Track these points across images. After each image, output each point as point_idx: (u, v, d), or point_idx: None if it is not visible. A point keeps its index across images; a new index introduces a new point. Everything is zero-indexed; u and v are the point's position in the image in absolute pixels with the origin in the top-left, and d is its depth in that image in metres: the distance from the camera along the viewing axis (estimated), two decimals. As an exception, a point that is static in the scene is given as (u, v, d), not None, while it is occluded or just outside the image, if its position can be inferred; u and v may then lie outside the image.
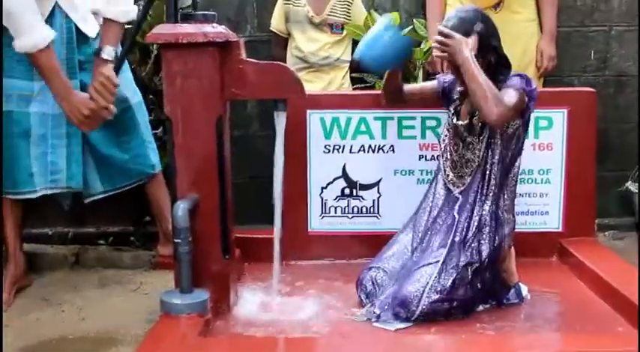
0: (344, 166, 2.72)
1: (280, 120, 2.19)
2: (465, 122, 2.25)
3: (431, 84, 2.47)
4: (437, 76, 2.53)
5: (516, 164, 2.28)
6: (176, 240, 2.03)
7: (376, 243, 2.55)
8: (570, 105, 2.68)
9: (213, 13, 2.16)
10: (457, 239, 2.17)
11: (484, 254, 2.15)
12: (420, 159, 2.71)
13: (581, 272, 2.49)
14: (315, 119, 2.71)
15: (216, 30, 2.08)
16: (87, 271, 2.75)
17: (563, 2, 3.21)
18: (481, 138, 2.21)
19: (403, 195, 2.67)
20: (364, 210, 2.76)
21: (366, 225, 2.76)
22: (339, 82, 3.20)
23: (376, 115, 2.70)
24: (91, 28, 2.58)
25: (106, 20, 2.50)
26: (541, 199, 2.74)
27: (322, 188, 2.74)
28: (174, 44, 2.06)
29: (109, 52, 2.45)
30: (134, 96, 2.69)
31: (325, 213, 2.77)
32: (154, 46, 2.84)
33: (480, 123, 2.20)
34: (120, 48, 2.55)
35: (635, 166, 3.29)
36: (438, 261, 2.12)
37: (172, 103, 2.12)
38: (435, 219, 2.28)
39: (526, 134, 2.30)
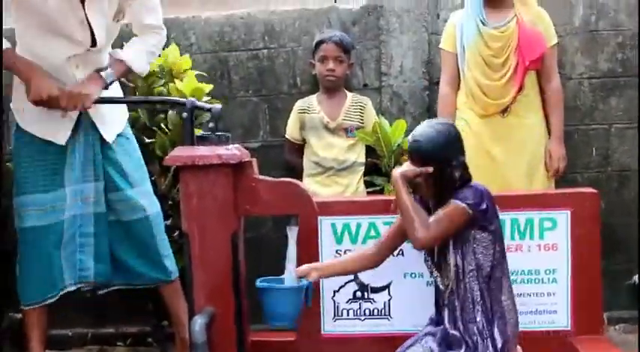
0: (356, 270, 2.81)
1: (292, 234, 2.30)
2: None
3: (395, 226, 2.49)
4: None
5: (500, 272, 2.32)
6: (193, 354, 2.11)
7: (387, 344, 2.64)
8: (574, 207, 2.74)
9: (227, 134, 2.30)
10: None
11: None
12: (429, 262, 2.80)
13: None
14: (326, 225, 2.80)
15: (230, 152, 2.22)
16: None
17: (564, 104, 3.29)
18: (451, 252, 2.28)
19: (413, 296, 2.73)
20: (375, 312, 2.82)
21: (377, 326, 2.80)
22: (354, 185, 3.28)
23: (385, 220, 2.78)
24: (110, 136, 2.73)
25: (117, 59, 2.68)
26: (548, 298, 2.77)
27: (334, 291, 2.80)
28: (190, 166, 2.21)
29: (107, 74, 2.60)
30: (152, 207, 2.78)
31: (338, 315, 2.82)
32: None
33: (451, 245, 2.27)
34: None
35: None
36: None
37: (189, 221, 2.25)
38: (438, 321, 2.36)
39: (500, 243, 2.33)
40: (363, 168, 3.31)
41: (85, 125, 2.67)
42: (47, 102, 2.51)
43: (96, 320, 3.34)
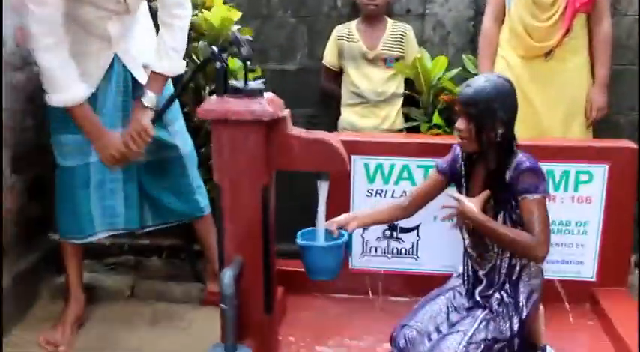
0: (386, 210, 2.82)
1: (323, 189, 2.29)
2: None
3: (431, 182, 2.45)
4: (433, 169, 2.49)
5: None
6: (222, 306, 2.19)
7: (414, 282, 2.78)
8: (611, 161, 2.71)
9: (261, 87, 2.25)
10: (482, 317, 2.25)
11: (509, 332, 2.23)
12: (459, 206, 2.80)
13: (608, 328, 2.59)
14: (359, 164, 2.81)
15: (263, 108, 2.17)
16: (141, 305, 2.95)
17: (616, 42, 3.16)
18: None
19: (441, 239, 2.79)
20: (403, 251, 2.88)
21: (404, 265, 2.88)
22: (392, 117, 3.25)
23: (419, 163, 2.78)
24: (145, 77, 2.67)
25: (153, 72, 2.60)
26: (577, 249, 2.81)
27: (364, 229, 2.85)
28: (223, 120, 2.19)
29: (150, 99, 2.56)
30: (185, 145, 2.80)
31: (366, 252, 2.90)
32: (206, 90, 2.94)
33: (490, 208, 2.22)
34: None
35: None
36: (465, 332, 2.22)
37: (221, 172, 2.25)
38: (466, 290, 2.38)
39: None
40: (401, 100, 3.26)
41: (117, 69, 2.64)
42: (121, 159, 2.57)
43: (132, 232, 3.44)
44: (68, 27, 2.44)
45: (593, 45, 3.05)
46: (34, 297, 2.95)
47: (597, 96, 3.06)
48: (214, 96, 2.26)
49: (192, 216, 2.90)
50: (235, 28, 2.96)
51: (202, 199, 2.89)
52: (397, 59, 3.22)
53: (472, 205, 2.18)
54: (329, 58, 3.31)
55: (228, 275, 2.20)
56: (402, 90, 3.24)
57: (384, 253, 2.89)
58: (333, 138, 2.30)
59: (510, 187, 2.19)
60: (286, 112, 2.29)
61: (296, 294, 2.83)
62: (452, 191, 2.30)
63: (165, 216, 2.87)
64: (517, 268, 2.24)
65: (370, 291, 2.87)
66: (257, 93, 2.23)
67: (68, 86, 2.45)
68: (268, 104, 2.21)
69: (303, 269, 2.46)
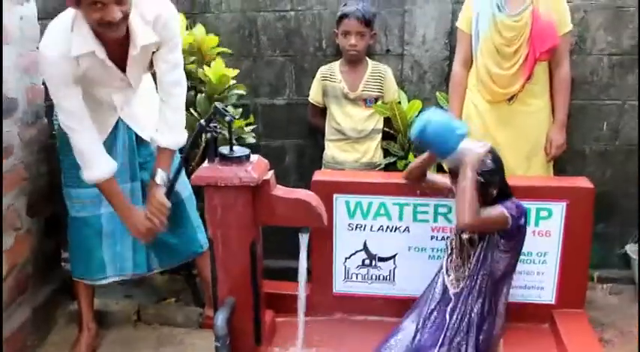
0: (365, 242, 3.10)
1: (303, 241, 2.59)
2: (468, 236, 2.62)
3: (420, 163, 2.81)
4: None
5: (507, 280, 2.65)
6: (216, 344, 2.52)
7: (390, 304, 3.08)
8: (569, 199, 2.97)
9: (247, 153, 2.53)
10: (447, 339, 2.58)
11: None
12: (431, 239, 3.07)
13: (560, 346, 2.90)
14: (341, 202, 3.08)
15: (249, 175, 2.46)
16: (147, 329, 3.25)
17: (581, 79, 3.42)
18: (477, 251, 2.59)
19: (416, 267, 3.07)
20: (381, 277, 3.17)
21: (382, 289, 3.17)
22: (372, 152, 3.48)
23: (394, 201, 3.05)
24: (147, 134, 2.93)
25: (160, 147, 2.83)
26: (537, 277, 3.08)
27: (346, 258, 3.13)
28: (213, 185, 2.48)
29: (161, 177, 2.79)
30: (185, 190, 3.04)
31: (348, 278, 3.19)
32: (203, 138, 3.15)
33: (478, 238, 2.58)
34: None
35: (635, 227, 3.58)
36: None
37: (213, 228, 2.57)
38: (432, 312, 2.67)
39: (516, 257, 2.66)
40: (380, 136, 3.48)
41: (122, 128, 2.89)
42: (150, 232, 2.84)
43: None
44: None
45: (553, 87, 3.24)
46: (51, 324, 3.26)
47: (556, 135, 3.27)
48: (206, 163, 2.56)
49: (194, 253, 3.17)
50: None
51: (202, 237, 3.15)
52: (377, 99, 3.43)
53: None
54: (314, 95, 3.54)
55: (220, 318, 2.52)
56: (381, 126, 3.47)
57: (364, 279, 3.19)
58: (312, 197, 2.60)
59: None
60: (270, 174, 2.59)
61: (284, 315, 3.10)
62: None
63: (170, 257, 3.14)
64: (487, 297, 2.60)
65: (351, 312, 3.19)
66: (244, 159, 2.52)
67: (98, 162, 2.72)
68: (254, 170, 2.51)
69: (290, 293, 2.79)
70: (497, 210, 2.53)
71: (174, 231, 3.04)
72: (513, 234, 2.58)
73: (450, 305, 2.64)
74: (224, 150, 2.53)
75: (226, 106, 2.80)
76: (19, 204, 3.03)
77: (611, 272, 3.65)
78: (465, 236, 2.64)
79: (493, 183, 2.55)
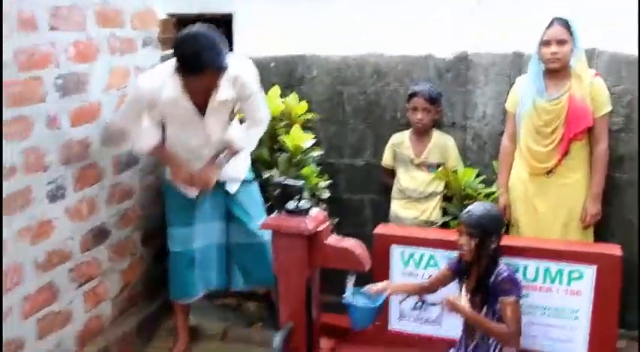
0: (417, 288, 3.61)
1: (350, 280, 3.15)
2: (468, 297, 3.10)
3: (441, 275, 3.30)
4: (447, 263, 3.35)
5: None
6: (274, 360, 3.12)
7: (437, 343, 3.56)
8: (599, 264, 3.29)
9: (308, 206, 3.14)
10: None
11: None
12: (475, 290, 3.52)
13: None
14: (396, 252, 3.61)
15: (306, 226, 3.06)
16: (230, 346, 3.90)
17: (628, 155, 3.70)
18: (479, 310, 3.07)
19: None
20: (430, 319, 3.64)
21: (430, 330, 3.64)
22: (429, 211, 3.93)
23: (443, 254, 3.53)
24: (234, 188, 3.62)
25: (230, 146, 3.47)
26: (570, 331, 3.40)
27: (400, 301, 3.62)
28: (277, 231, 3.12)
29: (221, 161, 3.45)
30: (267, 233, 3.47)
31: (402, 317, 3.69)
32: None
33: (479, 300, 3.05)
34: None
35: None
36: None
37: (277, 267, 3.19)
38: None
39: None
40: (439, 197, 3.92)
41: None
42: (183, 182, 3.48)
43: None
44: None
45: (592, 162, 3.56)
46: (154, 335, 3.97)
47: (591, 206, 3.58)
48: (275, 213, 3.21)
49: (271, 282, 3.67)
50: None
51: None
52: (439, 165, 3.90)
53: (463, 303, 3.04)
54: (385, 159, 4.07)
55: (277, 339, 3.12)
56: (441, 188, 3.91)
57: (416, 320, 3.67)
58: (358, 247, 3.15)
59: (493, 288, 3.00)
60: (325, 225, 3.17)
61: (346, 346, 3.68)
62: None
63: (251, 280, 3.79)
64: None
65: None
66: (304, 213, 3.13)
67: (146, 136, 3.38)
68: (311, 222, 3.10)
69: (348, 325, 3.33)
70: (512, 307, 2.97)
71: (255, 262, 3.65)
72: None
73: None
74: (290, 205, 3.16)
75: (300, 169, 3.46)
76: (135, 235, 3.84)
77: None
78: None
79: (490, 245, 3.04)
